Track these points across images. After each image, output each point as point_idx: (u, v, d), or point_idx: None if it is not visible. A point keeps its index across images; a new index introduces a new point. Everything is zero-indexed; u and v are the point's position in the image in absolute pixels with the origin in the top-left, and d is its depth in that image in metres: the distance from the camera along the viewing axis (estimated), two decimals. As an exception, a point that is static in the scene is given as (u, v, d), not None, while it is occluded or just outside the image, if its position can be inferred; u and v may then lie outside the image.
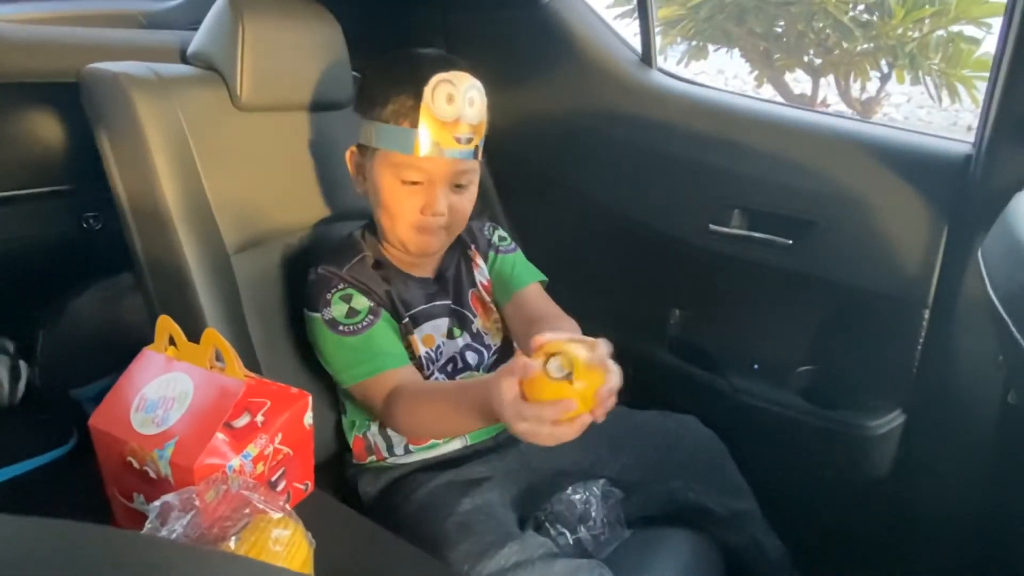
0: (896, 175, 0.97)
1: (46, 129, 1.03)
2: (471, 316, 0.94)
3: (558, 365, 0.62)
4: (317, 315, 0.84)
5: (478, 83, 0.84)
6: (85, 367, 1.01)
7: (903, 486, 1.01)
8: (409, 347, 0.88)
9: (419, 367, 0.88)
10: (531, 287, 0.99)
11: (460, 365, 0.92)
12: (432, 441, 0.90)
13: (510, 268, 1.00)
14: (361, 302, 0.85)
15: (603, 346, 0.64)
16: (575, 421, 0.63)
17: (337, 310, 0.84)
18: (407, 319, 0.88)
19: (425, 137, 0.80)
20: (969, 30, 3.97)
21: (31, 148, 1.02)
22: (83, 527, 0.24)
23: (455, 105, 0.80)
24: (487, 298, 0.98)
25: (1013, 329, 0.57)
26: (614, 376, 0.64)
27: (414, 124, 0.79)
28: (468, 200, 0.88)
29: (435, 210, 0.83)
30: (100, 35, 1.08)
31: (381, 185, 0.85)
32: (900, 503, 1.01)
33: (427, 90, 0.79)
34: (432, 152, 0.80)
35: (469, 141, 0.83)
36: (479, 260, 0.99)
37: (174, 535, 0.55)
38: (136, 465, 0.64)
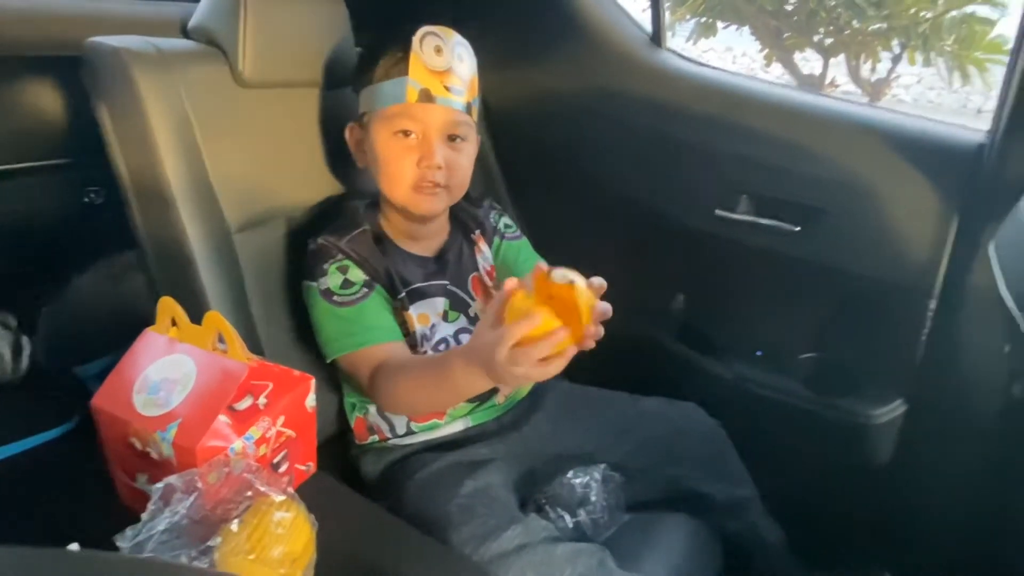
0: (907, 163, 0.95)
1: (46, 102, 1.01)
2: (469, 300, 0.94)
3: (562, 273, 0.63)
4: (313, 284, 0.85)
5: (465, 40, 0.86)
6: (88, 344, 1.01)
7: (903, 475, 1.02)
8: (404, 323, 0.88)
9: (413, 344, 0.88)
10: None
11: (452, 345, 0.92)
12: (434, 421, 0.90)
13: (515, 255, 1.01)
14: (357, 275, 0.85)
15: (598, 280, 0.65)
16: (557, 344, 0.63)
17: (333, 280, 0.84)
18: (403, 295, 0.88)
19: (415, 84, 0.82)
20: (983, 11, 3.91)
21: (31, 121, 1.01)
22: (40, 552, 0.24)
23: (444, 56, 0.83)
24: (489, 283, 0.98)
25: (1023, 325, 0.56)
26: (604, 304, 0.65)
27: (404, 73, 0.82)
28: (466, 158, 0.89)
29: (432, 162, 0.84)
30: (100, 7, 1.06)
31: (378, 145, 0.86)
32: (900, 492, 1.02)
33: (415, 40, 0.82)
34: (423, 98, 0.82)
35: (460, 94, 0.85)
36: (483, 245, 0.99)
37: (177, 516, 0.55)
38: (139, 446, 0.64)
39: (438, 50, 0.82)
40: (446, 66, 0.83)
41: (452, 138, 0.86)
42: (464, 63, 0.85)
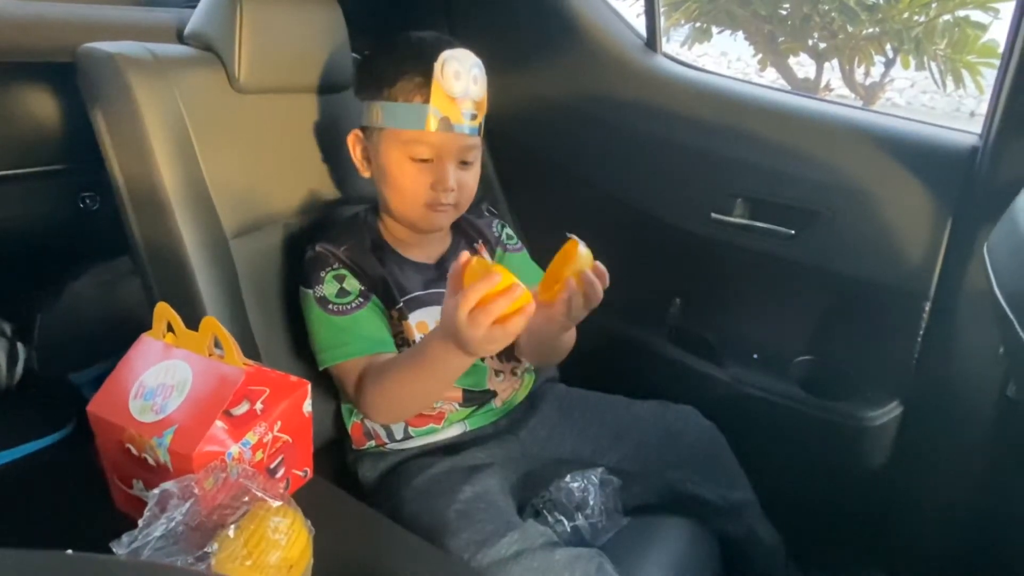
0: (901, 166, 0.96)
1: (41, 108, 1.01)
2: None
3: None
4: (310, 291, 0.85)
5: (479, 61, 0.86)
6: (83, 351, 1.01)
7: (899, 477, 1.02)
8: (402, 332, 0.88)
9: None
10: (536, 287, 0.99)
11: None
12: (432, 425, 0.90)
13: (516, 267, 1.00)
14: (353, 284, 0.85)
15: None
16: (515, 299, 0.65)
17: (329, 288, 0.84)
18: (401, 304, 0.88)
19: (436, 112, 0.81)
20: (976, 15, 3.93)
21: (26, 127, 1.01)
22: (37, 555, 0.24)
23: (462, 81, 0.82)
24: None
25: (1017, 327, 0.56)
26: (601, 266, 0.74)
27: (425, 100, 0.81)
28: (474, 177, 0.90)
29: (446, 186, 0.84)
30: (95, 12, 1.06)
31: (390, 165, 0.85)
32: (896, 494, 1.02)
33: (437, 66, 0.80)
34: (443, 127, 0.82)
35: (474, 118, 0.85)
36: (485, 255, 0.99)
37: (173, 522, 0.55)
38: (135, 452, 0.64)
39: (457, 75, 0.82)
40: (464, 91, 0.82)
41: (463, 162, 0.87)
42: (478, 85, 0.85)
